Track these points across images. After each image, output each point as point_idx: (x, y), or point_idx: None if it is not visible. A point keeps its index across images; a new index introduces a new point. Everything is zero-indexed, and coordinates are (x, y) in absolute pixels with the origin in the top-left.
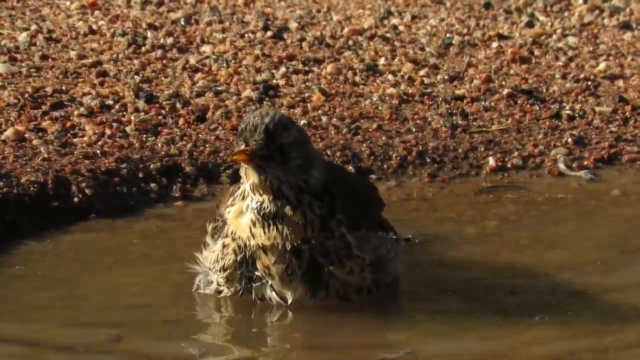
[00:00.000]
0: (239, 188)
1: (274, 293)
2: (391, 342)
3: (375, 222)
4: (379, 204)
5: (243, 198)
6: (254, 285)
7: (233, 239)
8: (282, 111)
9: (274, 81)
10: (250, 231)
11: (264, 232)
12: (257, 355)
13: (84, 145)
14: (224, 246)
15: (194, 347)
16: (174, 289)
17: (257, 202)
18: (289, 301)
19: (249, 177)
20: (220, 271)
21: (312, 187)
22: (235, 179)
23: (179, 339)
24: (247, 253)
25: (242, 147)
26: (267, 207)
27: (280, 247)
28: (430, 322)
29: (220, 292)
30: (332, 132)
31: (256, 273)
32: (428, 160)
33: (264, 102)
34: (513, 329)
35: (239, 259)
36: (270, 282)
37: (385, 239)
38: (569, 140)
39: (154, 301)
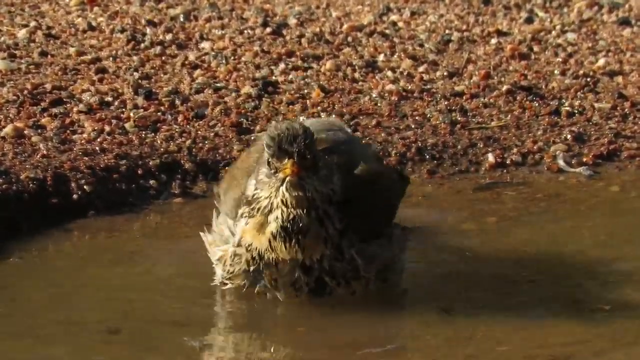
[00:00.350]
0: (255, 197)
1: (277, 295)
2: (381, 336)
3: (386, 224)
4: (395, 202)
5: (269, 211)
6: (257, 287)
7: (247, 250)
8: (282, 108)
9: (273, 77)
10: (270, 244)
11: (285, 247)
12: (256, 348)
13: (83, 141)
14: (235, 255)
15: (195, 340)
16: (174, 285)
17: (288, 216)
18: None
19: (285, 193)
20: (224, 271)
21: (337, 196)
22: None
23: (179, 331)
24: (261, 265)
25: (287, 161)
26: (299, 222)
27: (299, 262)
28: (424, 316)
29: (225, 284)
30: None
31: (262, 282)
32: (427, 156)
33: (263, 99)
34: (510, 326)
35: (251, 269)
36: (275, 293)
37: (393, 243)
38: (568, 136)
39: (153, 296)
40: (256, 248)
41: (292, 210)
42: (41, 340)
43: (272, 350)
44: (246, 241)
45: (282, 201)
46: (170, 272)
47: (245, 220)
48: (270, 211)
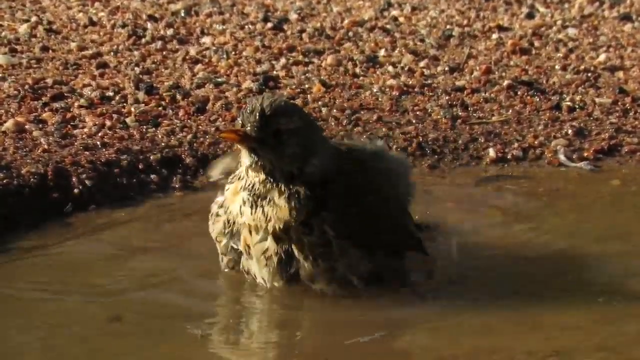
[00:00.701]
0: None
1: (251, 265)
2: (370, 325)
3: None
4: (393, 220)
5: (240, 178)
6: (242, 258)
7: (225, 212)
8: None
9: (274, 72)
10: (240, 209)
11: (250, 213)
12: (256, 334)
13: (84, 136)
14: (217, 215)
15: (197, 328)
16: (175, 276)
17: (249, 183)
18: (267, 285)
19: (243, 158)
20: (213, 231)
21: (308, 176)
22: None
23: (181, 320)
24: (234, 228)
25: (237, 127)
26: (258, 188)
27: (262, 229)
28: (417, 308)
29: (223, 259)
30: (332, 124)
31: (240, 247)
32: (428, 151)
33: (264, 94)
34: (510, 320)
35: (225, 231)
36: (249, 261)
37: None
38: (569, 131)
39: (154, 287)
40: (230, 212)
41: (253, 177)
42: (43, 330)
43: (266, 339)
44: (226, 205)
45: (245, 168)
46: (171, 265)
47: (228, 187)
48: (240, 178)
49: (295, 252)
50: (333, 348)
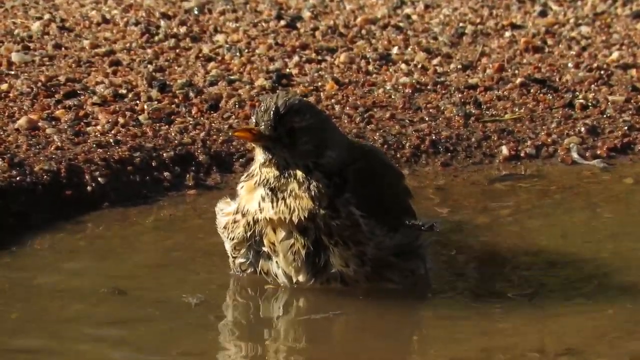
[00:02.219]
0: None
1: (280, 270)
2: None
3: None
4: (403, 205)
5: (254, 175)
6: (261, 259)
7: (243, 215)
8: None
9: (287, 70)
10: (259, 205)
11: (272, 207)
12: (247, 309)
13: (97, 134)
14: (235, 222)
15: (193, 297)
16: (185, 276)
17: (264, 178)
18: (293, 280)
19: (257, 155)
20: (228, 239)
21: (325, 167)
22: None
23: (182, 293)
24: (256, 229)
25: (251, 125)
26: (274, 183)
27: (287, 221)
28: (415, 304)
29: (234, 261)
30: (346, 121)
31: (263, 249)
32: (441, 149)
33: (277, 91)
34: (524, 318)
35: (248, 235)
36: (275, 260)
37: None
38: (582, 129)
39: (163, 281)
40: (248, 211)
41: (267, 173)
42: (50, 311)
43: (260, 315)
44: (242, 205)
45: (259, 164)
46: (181, 265)
47: (242, 185)
48: (254, 175)
49: (325, 239)
50: (285, 323)
